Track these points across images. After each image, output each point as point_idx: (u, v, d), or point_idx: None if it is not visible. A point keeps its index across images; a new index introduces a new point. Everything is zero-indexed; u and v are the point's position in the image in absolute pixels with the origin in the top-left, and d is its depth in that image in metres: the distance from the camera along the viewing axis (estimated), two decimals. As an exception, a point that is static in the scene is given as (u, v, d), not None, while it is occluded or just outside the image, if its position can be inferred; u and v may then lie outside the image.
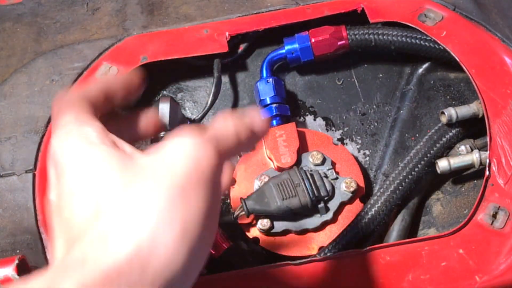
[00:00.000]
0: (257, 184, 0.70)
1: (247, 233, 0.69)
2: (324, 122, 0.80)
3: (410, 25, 0.75)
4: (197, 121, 0.77)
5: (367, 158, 0.79)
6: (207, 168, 0.37)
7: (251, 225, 0.69)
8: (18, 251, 0.64)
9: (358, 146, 0.79)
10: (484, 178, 0.65)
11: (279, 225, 0.68)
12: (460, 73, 0.77)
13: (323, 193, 0.67)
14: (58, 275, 0.32)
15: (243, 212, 0.66)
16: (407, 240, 0.64)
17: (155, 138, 0.65)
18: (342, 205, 0.70)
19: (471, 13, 0.76)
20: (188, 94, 0.83)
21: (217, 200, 0.38)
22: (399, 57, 0.82)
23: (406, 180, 0.70)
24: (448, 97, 0.80)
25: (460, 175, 0.74)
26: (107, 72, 0.74)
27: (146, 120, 0.48)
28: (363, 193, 0.71)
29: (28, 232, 0.65)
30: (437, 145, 0.72)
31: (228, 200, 0.73)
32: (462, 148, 0.72)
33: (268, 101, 0.76)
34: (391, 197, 0.69)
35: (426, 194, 0.75)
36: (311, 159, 0.71)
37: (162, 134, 0.59)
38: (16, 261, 0.58)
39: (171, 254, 0.33)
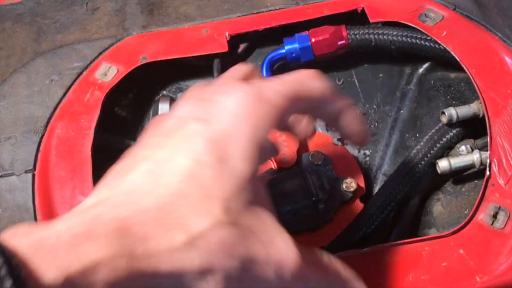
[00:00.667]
0: (257, 184, 0.70)
1: (247, 233, 0.69)
2: (324, 122, 0.80)
3: (410, 25, 0.75)
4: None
5: (367, 158, 0.79)
6: (277, 98, 0.41)
7: (251, 225, 0.68)
8: (17, 251, 0.64)
9: (358, 146, 0.79)
10: (485, 178, 0.65)
11: (279, 225, 0.67)
12: (461, 73, 0.77)
13: (323, 193, 0.67)
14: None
15: (243, 212, 0.66)
16: (407, 240, 0.64)
17: None
18: (342, 205, 0.70)
19: (471, 13, 0.76)
20: (188, 94, 0.83)
21: (272, 125, 0.41)
22: (400, 57, 0.82)
23: (406, 180, 0.70)
24: (448, 97, 0.80)
25: (460, 175, 0.74)
26: (107, 72, 0.74)
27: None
28: (363, 193, 0.71)
29: (27, 232, 0.65)
30: (438, 145, 0.72)
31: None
32: (462, 148, 0.72)
33: (268, 101, 0.76)
34: (391, 197, 0.69)
35: (426, 194, 0.75)
36: (311, 159, 0.70)
37: None
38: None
39: (245, 144, 0.38)
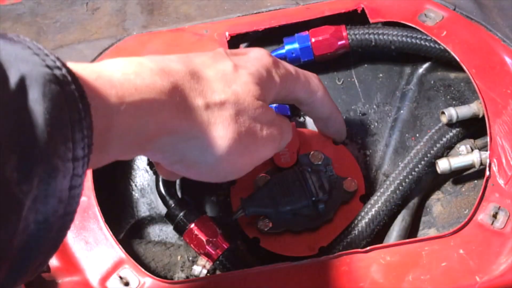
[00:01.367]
0: (257, 184, 0.70)
1: (247, 233, 0.69)
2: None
3: (410, 25, 0.75)
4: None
5: (367, 158, 0.79)
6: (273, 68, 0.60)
7: (251, 225, 0.69)
8: (17, 251, 0.64)
9: (358, 146, 0.79)
10: (485, 178, 0.65)
11: (279, 225, 0.67)
12: (461, 73, 0.77)
13: (323, 193, 0.67)
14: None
15: (243, 212, 0.66)
16: (407, 240, 0.64)
17: None
18: (342, 205, 0.70)
19: (471, 13, 0.76)
20: (188, 94, 0.83)
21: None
22: (399, 57, 0.82)
23: (406, 180, 0.70)
24: (448, 97, 0.80)
25: (460, 175, 0.74)
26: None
27: None
28: (363, 193, 0.71)
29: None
30: (437, 145, 0.72)
31: (228, 199, 0.73)
32: (462, 148, 0.72)
33: (268, 101, 0.76)
34: (391, 197, 0.69)
35: (426, 194, 0.75)
36: (311, 159, 0.70)
37: None
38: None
39: (251, 98, 0.54)
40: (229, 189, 0.72)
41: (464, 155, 0.69)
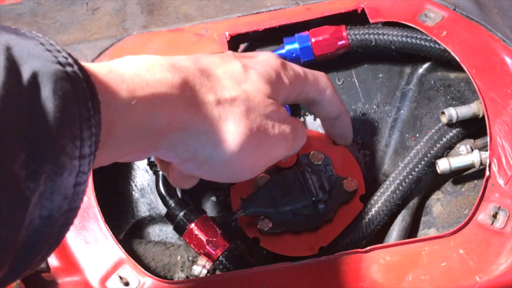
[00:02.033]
0: (257, 184, 0.70)
1: (247, 233, 0.69)
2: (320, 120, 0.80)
3: (410, 25, 0.75)
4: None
5: (367, 158, 0.79)
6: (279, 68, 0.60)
7: (251, 225, 0.69)
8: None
9: (358, 146, 0.79)
10: (485, 178, 0.65)
11: (279, 225, 0.67)
12: (461, 73, 0.77)
13: (323, 193, 0.67)
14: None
15: (243, 212, 0.66)
16: (407, 240, 0.64)
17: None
18: (342, 205, 0.70)
19: (471, 13, 0.76)
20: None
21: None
22: (400, 57, 0.82)
23: (406, 180, 0.70)
24: (448, 97, 0.80)
25: (460, 175, 0.74)
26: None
27: None
28: (363, 193, 0.71)
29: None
30: (437, 145, 0.72)
31: (228, 199, 0.73)
32: (462, 148, 0.72)
33: (268, 101, 0.76)
34: (391, 197, 0.69)
35: (426, 194, 0.75)
36: (311, 159, 0.70)
37: None
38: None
39: (262, 96, 0.55)
40: (229, 189, 0.72)
41: (464, 155, 0.69)
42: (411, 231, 0.72)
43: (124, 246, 0.64)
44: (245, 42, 0.82)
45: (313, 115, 0.81)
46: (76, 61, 0.39)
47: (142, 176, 0.78)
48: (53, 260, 0.64)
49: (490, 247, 0.62)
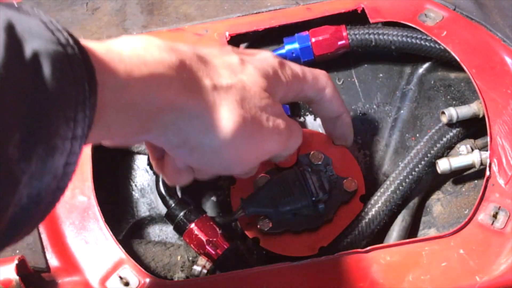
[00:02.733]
0: (257, 184, 0.70)
1: (247, 233, 0.69)
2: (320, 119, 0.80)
3: (411, 25, 0.75)
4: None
5: (367, 158, 0.79)
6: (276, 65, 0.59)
7: (251, 225, 0.69)
8: (17, 251, 0.64)
9: (358, 146, 0.79)
10: (485, 178, 0.65)
11: (279, 225, 0.67)
12: (461, 73, 0.77)
13: (323, 193, 0.67)
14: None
15: (243, 212, 0.66)
16: (408, 240, 0.64)
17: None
18: (342, 205, 0.70)
19: (471, 13, 0.76)
20: (188, 94, 0.83)
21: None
22: (400, 57, 0.82)
23: (407, 180, 0.70)
24: (448, 97, 0.80)
25: (460, 175, 0.74)
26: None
27: None
28: (363, 193, 0.71)
29: (27, 232, 0.65)
30: (438, 145, 0.72)
31: (228, 199, 0.73)
32: (462, 148, 0.72)
33: (268, 101, 0.76)
34: (392, 197, 0.69)
35: (427, 194, 0.75)
36: (311, 159, 0.70)
37: None
38: (16, 261, 0.58)
39: (258, 88, 0.55)
40: (229, 189, 0.72)
41: (464, 155, 0.69)
42: (411, 231, 0.72)
43: (124, 246, 0.64)
44: (245, 42, 0.82)
45: (313, 115, 0.81)
46: (76, 41, 0.38)
47: (142, 176, 0.78)
48: (53, 260, 0.64)
49: (490, 247, 0.62)
